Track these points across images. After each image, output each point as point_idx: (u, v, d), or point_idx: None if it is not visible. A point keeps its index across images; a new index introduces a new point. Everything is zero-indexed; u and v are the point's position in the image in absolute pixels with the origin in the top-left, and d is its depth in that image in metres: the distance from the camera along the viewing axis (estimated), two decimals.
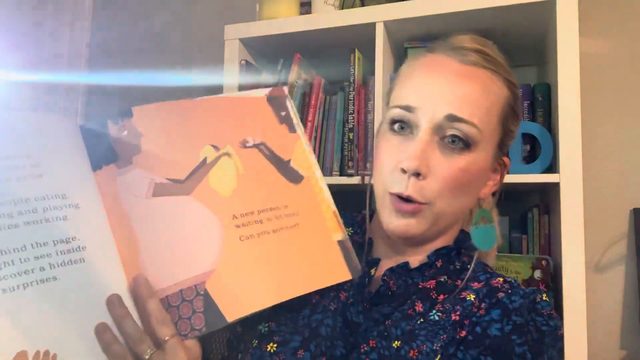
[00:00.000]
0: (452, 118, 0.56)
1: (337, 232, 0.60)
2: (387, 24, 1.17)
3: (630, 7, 1.30)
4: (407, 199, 0.57)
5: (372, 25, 1.17)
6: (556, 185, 1.01)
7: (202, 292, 0.50)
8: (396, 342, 0.55)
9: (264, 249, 0.53)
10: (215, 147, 0.56)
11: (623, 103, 1.29)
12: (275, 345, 0.60)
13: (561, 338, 0.55)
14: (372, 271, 0.62)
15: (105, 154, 0.55)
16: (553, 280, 1.07)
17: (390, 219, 0.58)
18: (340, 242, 0.59)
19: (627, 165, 1.28)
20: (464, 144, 0.57)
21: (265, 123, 0.61)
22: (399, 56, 1.30)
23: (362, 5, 1.25)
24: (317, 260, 0.57)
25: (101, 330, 0.47)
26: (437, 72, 0.59)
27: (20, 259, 0.45)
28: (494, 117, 0.59)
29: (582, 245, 0.95)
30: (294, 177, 0.60)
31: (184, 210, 0.53)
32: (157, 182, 0.54)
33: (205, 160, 0.55)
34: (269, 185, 0.58)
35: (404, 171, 0.56)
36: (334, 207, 0.61)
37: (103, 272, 0.49)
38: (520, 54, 1.27)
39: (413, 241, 0.61)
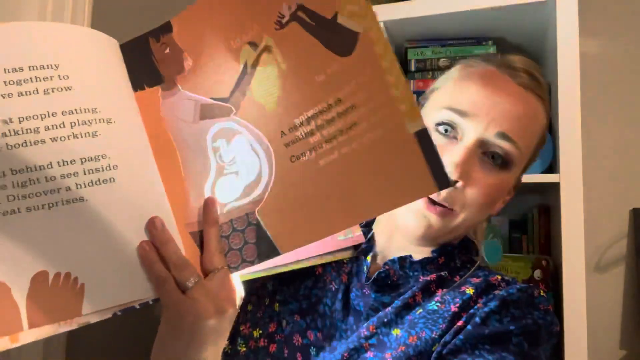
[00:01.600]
0: (503, 136, 0.57)
1: (414, 117, 0.42)
2: (387, 24, 1.17)
3: (630, 7, 1.30)
4: (435, 201, 0.57)
5: None
6: (556, 185, 1.01)
7: (254, 222, 0.47)
8: (396, 329, 0.56)
9: (316, 168, 0.45)
10: (253, 44, 0.48)
11: (623, 103, 1.29)
12: (277, 304, 0.62)
13: (556, 334, 0.56)
14: (368, 258, 0.63)
15: (148, 75, 0.50)
16: (553, 280, 1.07)
17: (412, 219, 0.58)
18: (420, 134, 0.42)
19: (627, 165, 1.28)
20: (504, 162, 0.58)
21: None
22: (399, 56, 1.30)
23: None
24: (385, 170, 0.43)
25: (146, 249, 0.44)
26: (494, 87, 0.59)
27: (46, 177, 0.42)
28: (533, 142, 0.61)
29: (582, 245, 0.95)
30: (344, 42, 0.45)
31: (231, 134, 0.48)
32: (203, 104, 0.48)
33: (245, 66, 0.48)
34: (315, 74, 0.46)
35: None
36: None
37: (137, 193, 0.46)
38: (520, 54, 1.26)
39: (421, 241, 0.61)
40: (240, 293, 0.48)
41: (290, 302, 0.62)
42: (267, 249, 0.46)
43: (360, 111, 0.44)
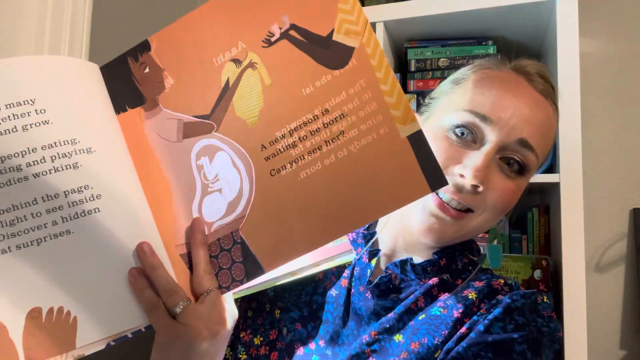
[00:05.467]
0: (523, 143, 0.56)
1: (408, 121, 0.43)
2: (387, 24, 1.17)
3: (630, 7, 1.30)
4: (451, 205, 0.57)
5: (372, 26, 1.17)
6: (556, 185, 1.01)
7: (239, 240, 0.46)
8: (398, 335, 0.55)
9: (297, 181, 0.45)
10: (236, 61, 0.48)
11: (623, 103, 1.29)
12: (278, 311, 0.61)
13: (559, 340, 0.56)
14: (373, 262, 0.63)
15: (129, 96, 0.50)
16: (553, 280, 1.07)
17: (427, 223, 0.57)
18: (413, 138, 0.42)
19: (627, 165, 1.28)
20: (520, 169, 0.58)
21: None
22: (399, 56, 1.30)
23: (362, 5, 1.25)
24: (375, 175, 0.43)
25: (135, 275, 0.44)
26: (515, 92, 0.58)
27: (32, 213, 0.43)
28: (547, 149, 0.61)
29: (582, 245, 0.95)
30: (338, 57, 0.45)
31: (213, 151, 0.48)
32: (186, 122, 0.48)
33: (227, 82, 0.48)
34: (302, 87, 0.46)
35: (461, 177, 0.55)
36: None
37: (123, 220, 0.45)
38: (520, 54, 1.26)
39: (433, 244, 0.61)
40: (233, 313, 0.48)
41: (292, 309, 0.61)
42: (253, 268, 0.45)
43: (350, 120, 0.44)
